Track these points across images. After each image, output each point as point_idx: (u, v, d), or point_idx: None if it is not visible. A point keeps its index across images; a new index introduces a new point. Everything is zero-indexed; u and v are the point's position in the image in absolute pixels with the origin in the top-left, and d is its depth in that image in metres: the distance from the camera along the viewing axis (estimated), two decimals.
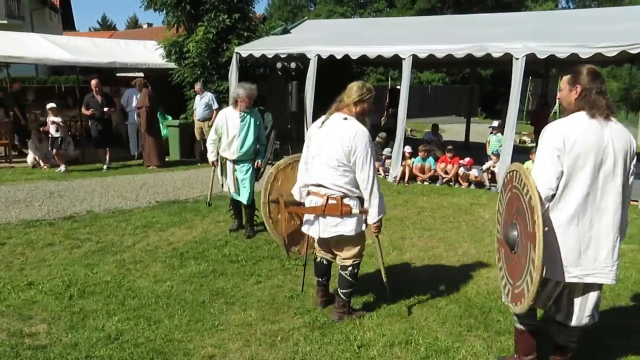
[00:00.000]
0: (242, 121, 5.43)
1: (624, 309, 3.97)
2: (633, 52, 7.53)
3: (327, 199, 3.42)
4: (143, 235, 5.76)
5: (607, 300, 4.00)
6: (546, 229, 2.47)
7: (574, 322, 2.76)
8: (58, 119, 9.55)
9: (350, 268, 3.58)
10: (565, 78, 2.75)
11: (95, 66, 11.64)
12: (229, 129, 5.43)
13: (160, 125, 11.77)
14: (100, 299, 3.99)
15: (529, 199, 2.51)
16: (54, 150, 9.59)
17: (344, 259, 3.59)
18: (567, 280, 2.62)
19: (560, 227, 2.58)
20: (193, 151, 11.15)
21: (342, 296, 3.64)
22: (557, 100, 13.77)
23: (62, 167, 9.57)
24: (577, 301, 2.74)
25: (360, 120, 3.44)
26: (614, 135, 2.57)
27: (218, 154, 5.67)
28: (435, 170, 9.27)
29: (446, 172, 9.17)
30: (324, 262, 3.79)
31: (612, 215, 2.58)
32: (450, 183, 9.12)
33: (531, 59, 8.26)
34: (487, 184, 8.90)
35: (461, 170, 9.06)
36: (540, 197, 2.49)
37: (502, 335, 3.48)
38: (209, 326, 3.56)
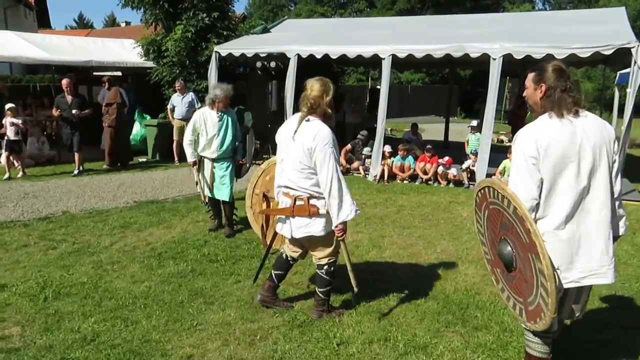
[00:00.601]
0: (220, 120, 5.45)
1: (596, 304, 4.04)
2: (606, 53, 7.70)
3: (295, 200, 3.43)
4: (121, 235, 5.68)
5: None
6: (544, 234, 2.39)
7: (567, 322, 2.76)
8: (18, 121, 8.79)
9: (326, 267, 3.59)
10: (530, 76, 2.59)
11: (71, 65, 11.43)
12: (207, 129, 5.45)
13: (139, 124, 11.65)
14: (76, 300, 3.93)
15: (513, 209, 2.40)
16: (11, 154, 8.72)
17: (319, 258, 3.60)
18: (565, 286, 2.48)
19: (550, 234, 2.45)
20: (171, 151, 11.04)
21: (320, 295, 3.64)
22: None
23: (6, 175, 8.60)
24: (570, 305, 2.66)
25: (325, 121, 3.39)
26: (587, 130, 2.45)
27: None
28: (415, 169, 9.36)
29: (425, 172, 9.25)
30: (285, 256, 3.79)
31: (598, 211, 2.46)
32: (430, 182, 9.21)
33: (508, 59, 8.41)
34: (466, 182, 9.01)
35: (440, 169, 9.16)
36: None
37: (480, 330, 3.53)
38: (188, 326, 3.53)
